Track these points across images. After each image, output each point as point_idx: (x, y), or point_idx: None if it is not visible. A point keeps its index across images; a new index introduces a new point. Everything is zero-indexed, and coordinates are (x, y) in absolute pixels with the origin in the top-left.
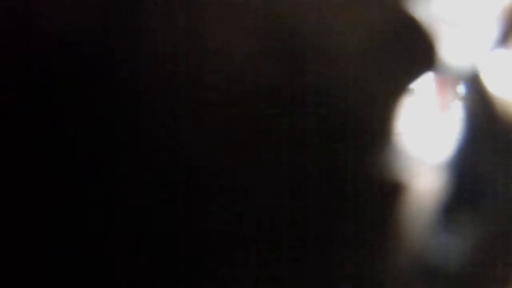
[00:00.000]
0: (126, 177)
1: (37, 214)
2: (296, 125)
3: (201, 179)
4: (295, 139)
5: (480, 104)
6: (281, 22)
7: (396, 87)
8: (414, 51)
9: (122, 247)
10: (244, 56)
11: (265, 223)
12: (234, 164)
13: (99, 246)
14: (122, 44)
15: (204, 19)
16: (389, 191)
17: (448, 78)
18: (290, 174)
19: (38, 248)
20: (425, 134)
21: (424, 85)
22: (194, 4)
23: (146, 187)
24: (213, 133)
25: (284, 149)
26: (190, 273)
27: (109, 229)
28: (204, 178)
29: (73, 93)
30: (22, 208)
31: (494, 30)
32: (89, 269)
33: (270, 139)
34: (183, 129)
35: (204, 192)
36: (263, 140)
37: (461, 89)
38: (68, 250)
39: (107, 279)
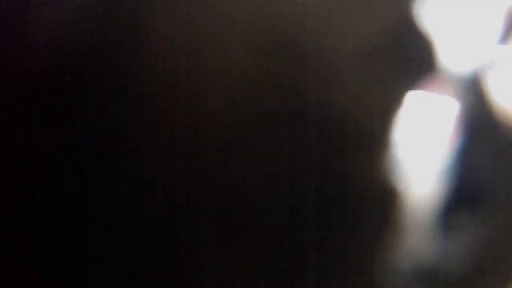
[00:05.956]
0: (125, 177)
1: (35, 215)
2: (295, 128)
3: (200, 180)
4: (294, 142)
5: (480, 106)
6: (281, 26)
7: (395, 90)
8: (414, 54)
9: (119, 247)
10: (245, 57)
11: (265, 225)
12: (234, 166)
13: (97, 245)
14: (122, 42)
15: (204, 20)
16: (388, 194)
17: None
18: (289, 177)
19: (37, 248)
20: (425, 137)
21: (423, 88)
22: (195, 4)
23: (145, 186)
24: (212, 135)
25: (283, 152)
26: (189, 275)
27: (109, 229)
28: (203, 179)
29: (73, 92)
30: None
31: (495, 32)
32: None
33: (269, 142)
34: (182, 129)
35: (203, 193)
36: (262, 143)
37: (461, 91)
38: (60, 250)
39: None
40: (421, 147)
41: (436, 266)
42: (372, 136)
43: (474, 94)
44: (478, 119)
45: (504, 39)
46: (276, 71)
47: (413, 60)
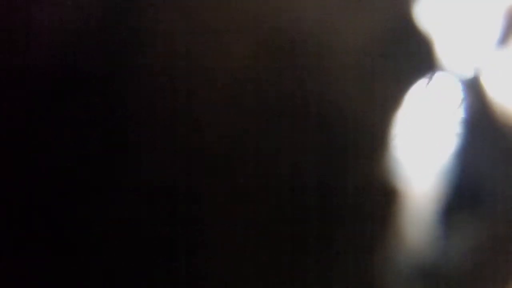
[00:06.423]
0: (126, 177)
1: (35, 215)
2: (295, 127)
3: (200, 178)
4: (294, 141)
5: (479, 106)
6: (281, 25)
7: (396, 90)
8: (414, 54)
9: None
10: (244, 58)
11: (265, 225)
12: (234, 166)
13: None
14: (122, 41)
15: (203, 20)
16: (389, 193)
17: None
18: (289, 176)
19: (37, 248)
20: (425, 137)
21: (423, 87)
22: (196, 3)
23: (145, 185)
24: (213, 134)
25: (283, 150)
26: (189, 275)
27: (108, 228)
28: (204, 178)
29: (73, 91)
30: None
31: (495, 31)
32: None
33: (268, 141)
34: (183, 127)
35: (204, 192)
36: (262, 143)
37: (461, 91)
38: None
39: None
40: (421, 147)
41: (436, 266)
42: (372, 136)
43: (474, 94)
44: (478, 119)
45: (503, 39)
46: (276, 70)
47: (413, 60)
